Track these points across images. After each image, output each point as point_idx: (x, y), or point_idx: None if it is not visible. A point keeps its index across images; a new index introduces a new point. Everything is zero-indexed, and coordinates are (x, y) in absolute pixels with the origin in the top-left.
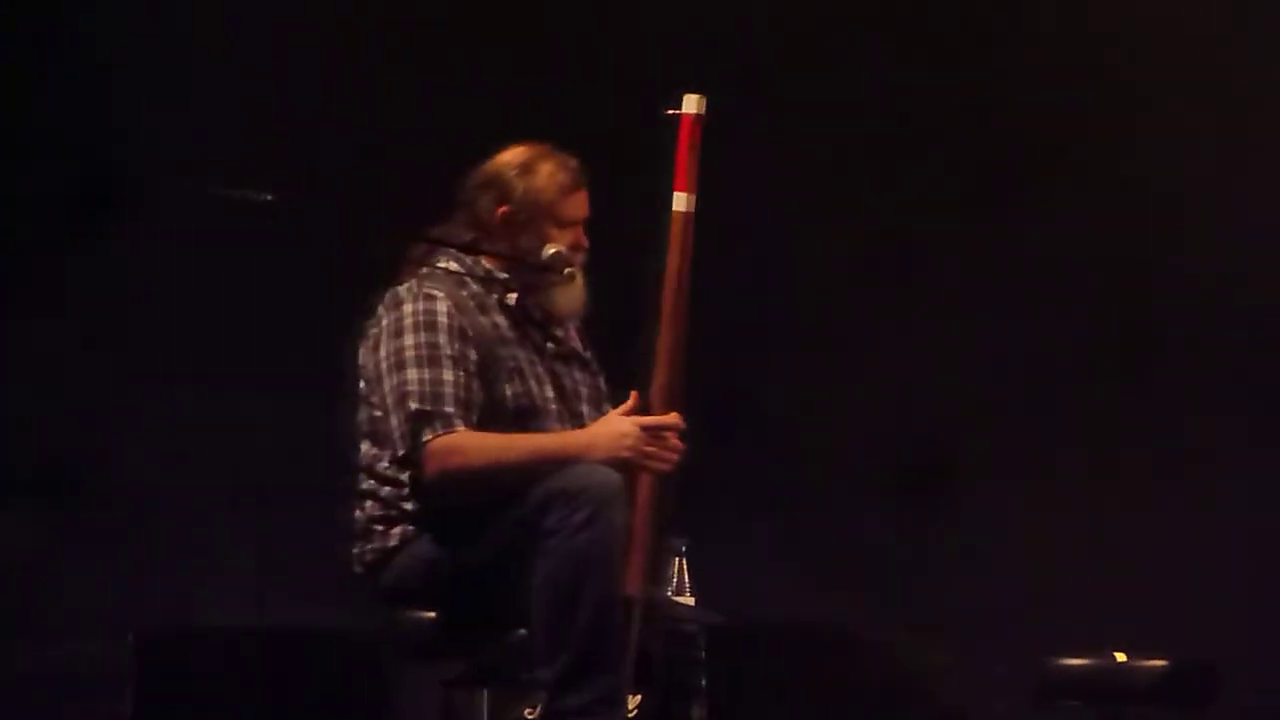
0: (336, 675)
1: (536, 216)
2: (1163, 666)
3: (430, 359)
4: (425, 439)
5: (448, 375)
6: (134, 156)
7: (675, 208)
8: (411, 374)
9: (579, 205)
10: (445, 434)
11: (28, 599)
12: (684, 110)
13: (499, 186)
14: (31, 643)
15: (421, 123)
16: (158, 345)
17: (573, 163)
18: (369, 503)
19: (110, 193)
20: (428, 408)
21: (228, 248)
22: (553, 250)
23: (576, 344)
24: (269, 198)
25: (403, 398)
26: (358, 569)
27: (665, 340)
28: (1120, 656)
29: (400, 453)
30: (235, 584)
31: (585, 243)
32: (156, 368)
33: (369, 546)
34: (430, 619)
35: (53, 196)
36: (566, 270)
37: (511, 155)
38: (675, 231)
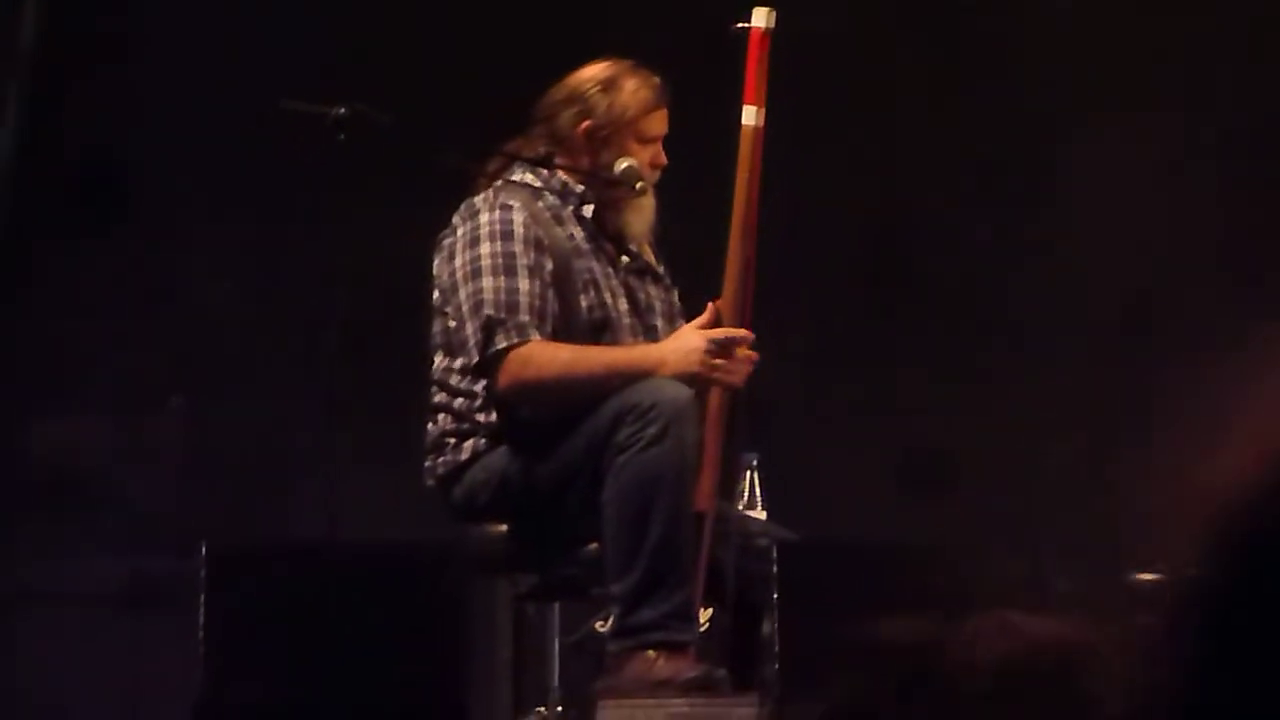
0: (408, 589)
1: (619, 132)
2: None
3: (506, 268)
4: (499, 346)
5: (523, 285)
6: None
7: (745, 122)
8: (487, 282)
9: (660, 122)
10: (519, 343)
11: (99, 513)
12: (753, 24)
13: (582, 102)
14: (102, 558)
15: (493, 36)
16: (223, 260)
17: (655, 80)
18: (441, 416)
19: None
20: (502, 316)
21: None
22: (625, 164)
23: (650, 259)
24: (342, 111)
25: (478, 306)
26: (430, 482)
27: (735, 255)
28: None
29: (474, 361)
30: (306, 499)
31: (664, 160)
32: (226, 281)
33: (441, 460)
34: (502, 533)
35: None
36: (638, 184)
37: (595, 71)
38: (745, 146)
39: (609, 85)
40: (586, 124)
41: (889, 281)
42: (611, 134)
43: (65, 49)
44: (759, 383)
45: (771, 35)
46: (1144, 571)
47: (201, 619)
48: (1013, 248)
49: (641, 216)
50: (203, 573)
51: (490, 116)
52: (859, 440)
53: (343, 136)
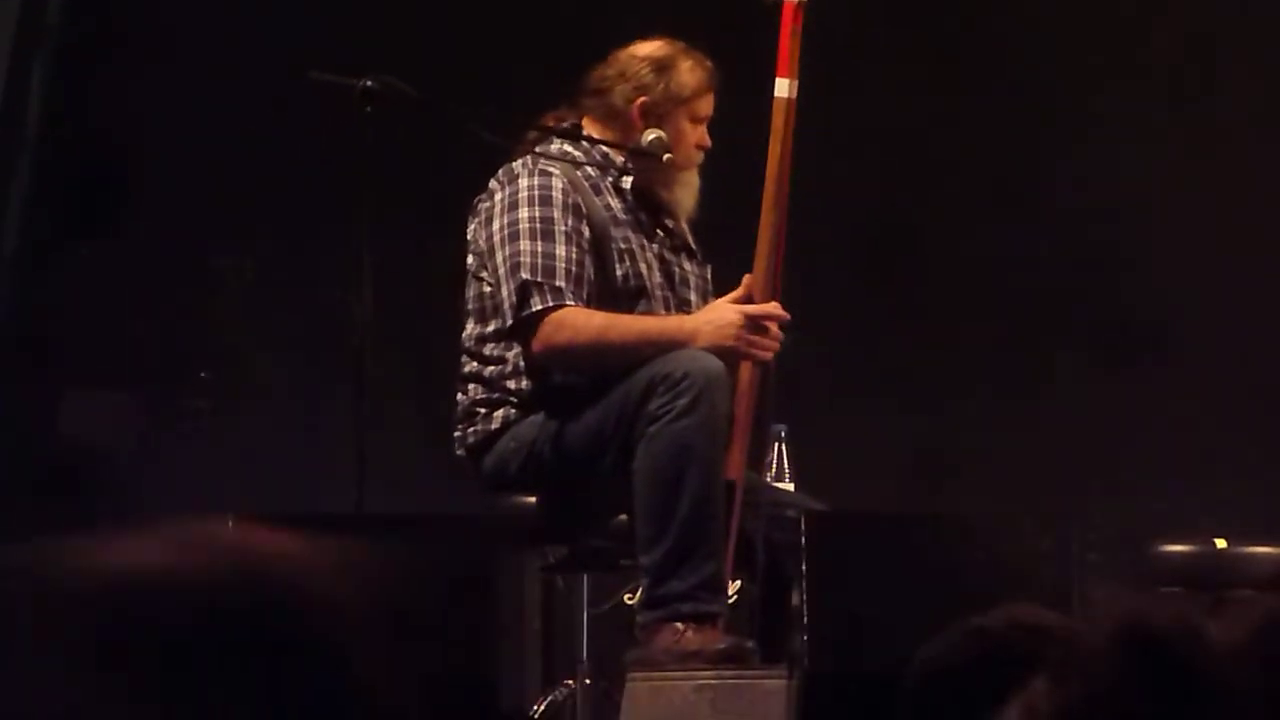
0: (437, 561)
1: (674, 111)
2: (1266, 553)
3: (544, 233)
4: (534, 309)
5: (560, 250)
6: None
7: (777, 94)
8: (524, 245)
9: (709, 104)
10: (554, 307)
11: (128, 485)
12: None
13: (636, 79)
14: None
15: (523, 9)
16: (259, 231)
17: (707, 62)
18: (472, 385)
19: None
20: (539, 279)
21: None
22: (653, 135)
23: (687, 236)
24: (369, 83)
25: (514, 269)
26: (460, 452)
27: (766, 229)
28: (1220, 543)
29: (508, 323)
30: (334, 471)
31: (708, 142)
32: (256, 256)
33: (471, 429)
34: (531, 504)
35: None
36: (665, 156)
37: (649, 49)
38: (777, 119)
39: (665, 64)
40: (642, 100)
41: (917, 252)
42: (666, 112)
43: (86, 29)
44: (789, 354)
45: (805, 8)
46: (1170, 544)
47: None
48: (1031, 222)
49: (689, 192)
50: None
51: (519, 90)
52: (887, 412)
53: (369, 109)
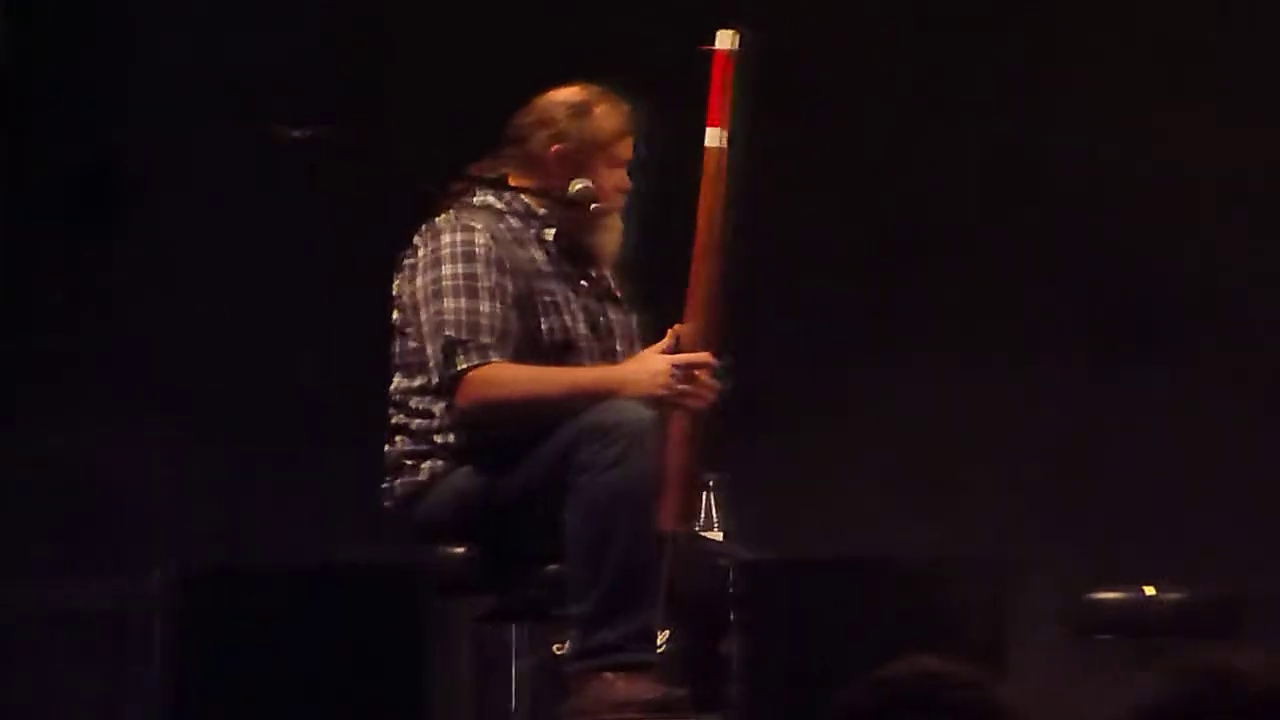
0: (366, 611)
1: (591, 156)
2: (1193, 599)
3: (468, 290)
4: (460, 368)
5: (484, 306)
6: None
7: (708, 144)
8: (449, 303)
9: (628, 147)
10: (480, 365)
11: (73, 536)
12: (717, 46)
13: (553, 125)
14: (75, 581)
15: (456, 59)
16: (207, 282)
17: (625, 106)
18: (400, 437)
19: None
20: (464, 337)
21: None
22: (579, 185)
23: (610, 283)
24: (308, 133)
25: (439, 326)
26: (389, 504)
27: (698, 278)
28: (1149, 590)
29: (434, 382)
30: (266, 521)
31: (628, 184)
32: (200, 312)
33: (400, 481)
34: (461, 554)
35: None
36: (593, 205)
37: (566, 95)
38: (708, 168)
39: (581, 110)
40: (558, 147)
41: (857, 293)
42: (584, 158)
43: (47, 66)
44: (727, 404)
45: (735, 57)
46: (1100, 591)
47: (158, 641)
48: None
49: (612, 238)
50: (159, 596)
51: (465, 139)
52: (818, 459)
53: (313, 161)
